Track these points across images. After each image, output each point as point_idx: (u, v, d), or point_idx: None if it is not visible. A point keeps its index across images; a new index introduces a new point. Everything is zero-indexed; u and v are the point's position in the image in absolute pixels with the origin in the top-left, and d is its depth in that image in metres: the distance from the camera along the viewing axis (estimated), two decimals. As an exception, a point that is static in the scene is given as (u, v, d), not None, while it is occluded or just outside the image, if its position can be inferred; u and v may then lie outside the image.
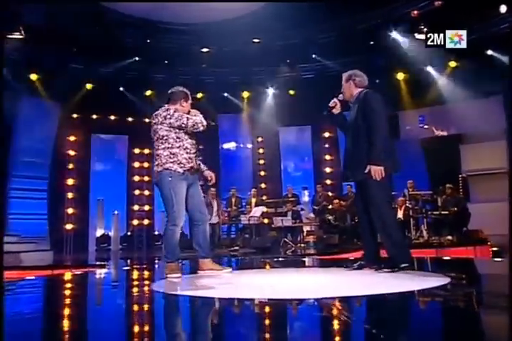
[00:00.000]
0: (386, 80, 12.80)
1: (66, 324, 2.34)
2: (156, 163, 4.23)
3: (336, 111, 4.40)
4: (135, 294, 3.38)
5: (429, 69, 12.47)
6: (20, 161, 12.15)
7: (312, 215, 11.68)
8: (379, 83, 12.87)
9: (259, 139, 14.55)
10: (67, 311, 2.75)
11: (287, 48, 11.97)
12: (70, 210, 12.70)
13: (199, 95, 13.48)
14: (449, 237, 9.76)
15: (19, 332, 2.04)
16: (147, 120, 13.60)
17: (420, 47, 12.07)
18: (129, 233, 12.79)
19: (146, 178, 13.44)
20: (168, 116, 4.17)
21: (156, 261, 7.55)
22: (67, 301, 3.22)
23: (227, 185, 12.99)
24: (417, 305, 2.71)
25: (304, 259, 6.70)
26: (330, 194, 12.45)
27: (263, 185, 14.20)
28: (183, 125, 4.17)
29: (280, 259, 6.63)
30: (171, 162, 4.17)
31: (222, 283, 3.69)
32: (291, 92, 13.72)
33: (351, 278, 3.81)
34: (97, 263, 7.14)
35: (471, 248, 8.72)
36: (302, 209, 11.70)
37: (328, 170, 13.89)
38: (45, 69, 11.66)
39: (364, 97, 4.14)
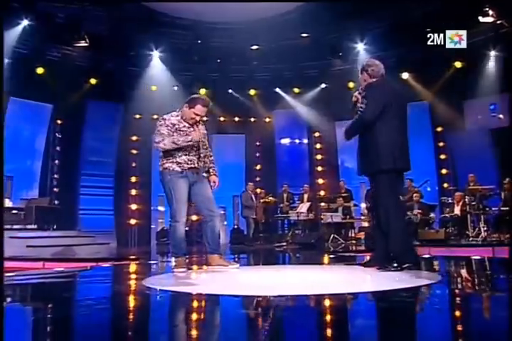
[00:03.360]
0: (446, 69, 12.19)
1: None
2: (159, 163, 4.44)
3: (360, 104, 4.32)
4: (120, 288, 3.58)
5: (494, 53, 11.63)
6: (88, 161, 13.09)
7: (365, 211, 11.38)
8: (437, 72, 12.31)
9: (316, 134, 14.41)
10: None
11: (338, 41, 11.73)
12: (134, 206, 13.42)
13: (252, 92, 13.65)
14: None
15: None
16: (205, 118, 14.06)
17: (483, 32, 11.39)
18: (187, 228, 13.21)
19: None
20: (156, 126, 4.43)
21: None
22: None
23: (281, 180, 13.06)
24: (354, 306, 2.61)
25: (331, 256, 6.60)
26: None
27: (320, 181, 14.06)
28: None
29: (303, 255, 6.60)
30: (170, 162, 4.35)
31: (211, 279, 3.79)
32: (350, 85, 13.40)
33: (332, 277, 3.76)
34: (133, 257, 7.53)
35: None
36: (355, 205, 11.44)
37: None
38: (106, 73, 12.37)
39: (364, 89, 4.04)
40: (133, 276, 4.64)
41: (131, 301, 2.93)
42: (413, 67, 12.44)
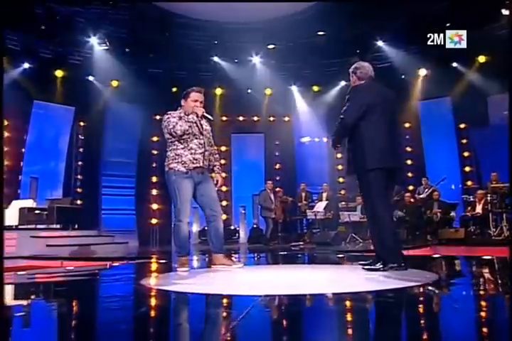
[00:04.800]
0: (468, 63, 11.92)
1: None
2: (165, 163, 4.47)
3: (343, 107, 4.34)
4: (117, 287, 3.63)
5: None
6: (110, 161, 13.33)
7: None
8: (457, 67, 12.06)
9: (336, 132, 14.25)
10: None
11: (355, 38, 11.59)
12: (155, 206, 13.60)
13: (271, 91, 13.64)
14: (534, 234, 8.78)
15: None
16: (224, 118, 14.13)
17: (507, 25, 11.05)
18: (206, 227, 13.31)
19: (222, 174, 13.87)
20: (163, 123, 4.43)
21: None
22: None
23: (301, 179, 13.01)
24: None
25: (339, 255, 6.53)
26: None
27: (341, 180, 13.94)
28: (168, 131, 4.37)
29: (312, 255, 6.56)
30: (176, 162, 4.36)
31: (211, 279, 3.82)
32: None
33: (312, 277, 3.74)
34: (146, 256, 7.62)
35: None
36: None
37: (408, 162, 13.21)
38: (126, 75, 12.55)
39: (349, 92, 4.06)
40: (134, 276, 4.71)
41: (123, 300, 2.97)
42: (435, 62, 12.20)
